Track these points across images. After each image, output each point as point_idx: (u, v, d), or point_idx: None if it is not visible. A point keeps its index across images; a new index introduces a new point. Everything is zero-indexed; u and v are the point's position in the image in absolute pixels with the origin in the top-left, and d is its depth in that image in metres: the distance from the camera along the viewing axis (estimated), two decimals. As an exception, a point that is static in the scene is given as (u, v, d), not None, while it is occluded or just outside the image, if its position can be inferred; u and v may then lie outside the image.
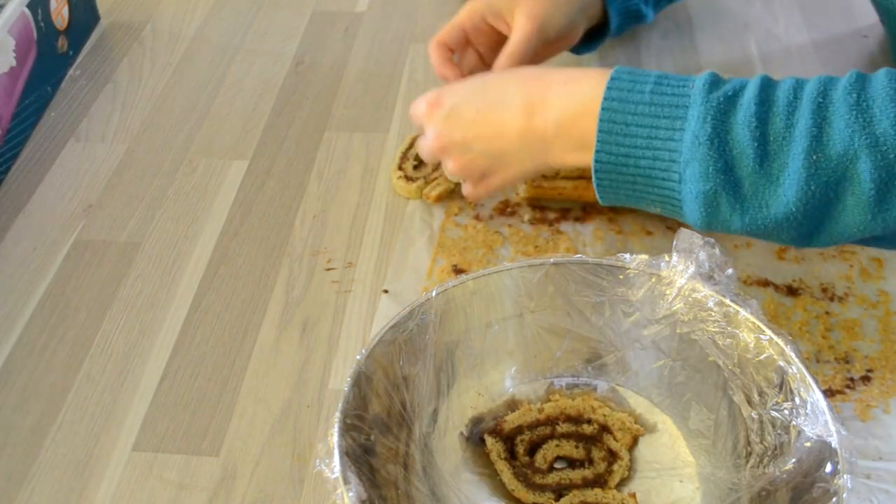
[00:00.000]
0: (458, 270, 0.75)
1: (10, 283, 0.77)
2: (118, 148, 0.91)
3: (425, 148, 0.73)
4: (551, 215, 0.79)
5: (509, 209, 0.81)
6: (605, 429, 0.62)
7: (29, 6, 0.91)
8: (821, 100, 0.56)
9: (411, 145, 0.86)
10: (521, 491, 0.59)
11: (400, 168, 0.84)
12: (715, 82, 0.59)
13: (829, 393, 0.65)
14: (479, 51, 0.82)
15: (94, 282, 0.77)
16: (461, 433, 0.62)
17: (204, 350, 0.71)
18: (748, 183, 0.57)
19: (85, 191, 0.86)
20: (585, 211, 0.79)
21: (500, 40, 0.81)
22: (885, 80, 0.57)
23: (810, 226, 0.57)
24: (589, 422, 0.62)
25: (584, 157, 0.63)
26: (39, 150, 0.91)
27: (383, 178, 0.85)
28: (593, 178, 0.63)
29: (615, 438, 0.61)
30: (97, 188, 0.86)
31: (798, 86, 0.58)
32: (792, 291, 0.72)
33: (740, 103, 0.57)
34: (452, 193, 0.82)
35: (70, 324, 0.73)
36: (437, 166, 0.83)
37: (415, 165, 0.84)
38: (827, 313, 0.70)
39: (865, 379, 0.65)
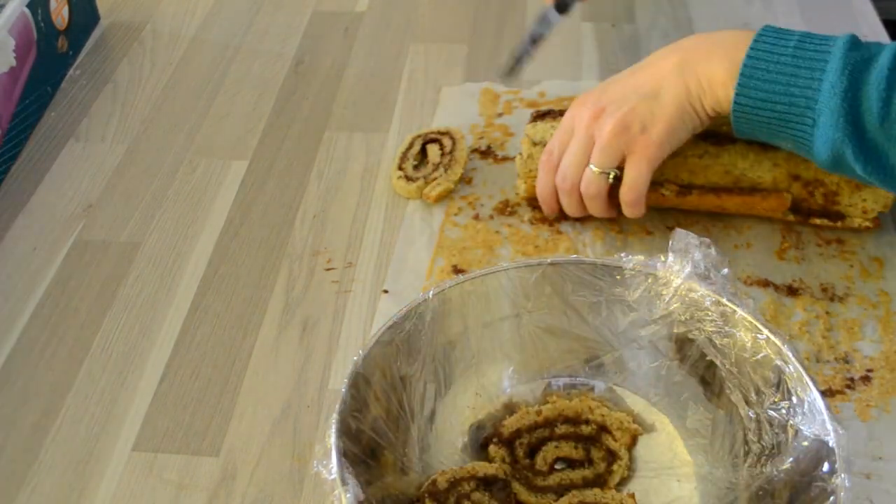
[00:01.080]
0: (457, 270, 0.75)
1: (10, 283, 0.77)
2: (118, 148, 0.91)
3: (568, 127, 0.74)
4: (551, 216, 0.79)
5: (509, 209, 0.81)
6: (603, 429, 0.62)
7: (29, 6, 0.91)
8: None
9: (411, 145, 0.86)
10: (524, 494, 0.59)
11: (400, 168, 0.84)
12: (855, 44, 0.65)
13: (829, 393, 0.65)
14: None
15: (94, 282, 0.77)
16: (463, 443, 0.62)
17: (204, 350, 0.71)
18: (870, 136, 0.63)
19: (85, 191, 0.86)
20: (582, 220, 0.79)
21: None
22: None
23: None
24: (587, 422, 0.62)
25: (732, 73, 0.67)
26: (39, 150, 0.91)
27: (383, 178, 0.85)
28: (731, 117, 0.69)
29: (614, 438, 0.61)
30: (97, 188, 0.86)
31: None
32: (792, 291, 0.72)
33: (875, 65, 0.63)
34: (452, 193, 0.82)
35: (70, 324, 0.73)
36: (437, 166, 0.83)
37: (415, 165, 0.85)
38: (827, 313, 0.70)
39: (865, 379, 0.65)
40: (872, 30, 0.99)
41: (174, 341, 0.72)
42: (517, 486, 0.59)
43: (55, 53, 0.97)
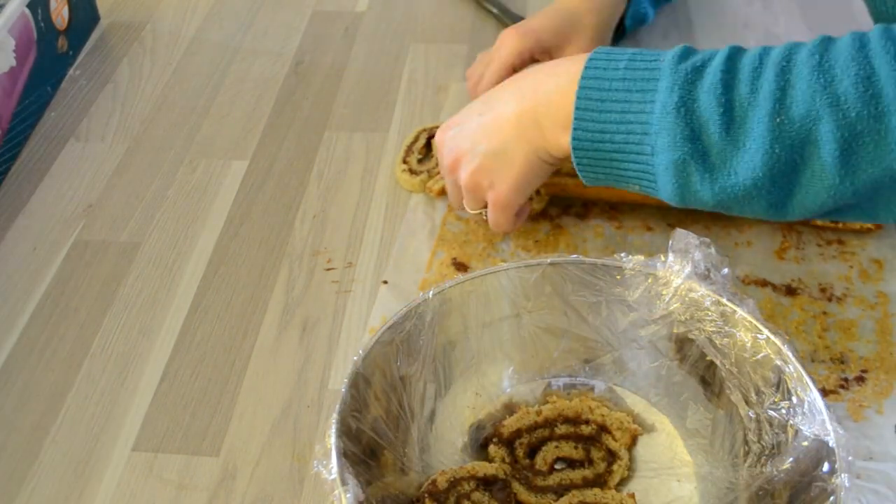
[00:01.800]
0: (457, 264, 0.75)
1: (10, 283, 0.77)
2: (118, 148, 0.91)
3: (443, 172, 0.74)
4: (552, 211, 0.80)
5: None
6: (603, 429, 0.62)
7: (29, 6, 0.91)
8: (784, 63, 0.56)
9: (416, 139, 0.87)
10: (524, 494, 0.59)
11: (404, 161, 0.84)
12: (685, 54, 0.60)
13: (822, 392, 0.64)
14: None
15: (94, 282, 0.77)
16: (464, 443, 0.62)
17: (204, 350, 0.71)
18: (715, 150, 0.57)
19: (85, 191, 0.86)
20: (586, 207, 0.80)
21: None
22: (849, 40, 0.56)
23: (779, 193, 0.57)
24: (587, 422, 0.62)
25: (569, 119, 0.63)
26: (39, 150, 0.91)
27: (383, 177, 0.85)
28: (573, 158, 0.63)
29: (614, 438, 0.61)
30: (97, 188, 0.86)
31: (764, 52, 0.58)
32: (790, 291, 0.72)
33: (707, 71, 0.58)
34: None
35: (70, 324, 0.73)
36: None
37: (419, 159, 0.85)
38: (824, 313, 0.70)
39: (860, 379, 0.65)
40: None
41: (174, 341, 0.72)
42: (517, 486, 0.59)
43: (55, 53, 0.97)
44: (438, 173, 0.82)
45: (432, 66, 0.99)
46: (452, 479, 0.57)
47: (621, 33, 0.93)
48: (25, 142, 0.91)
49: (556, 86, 0.64)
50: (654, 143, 0.59)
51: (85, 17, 1.05)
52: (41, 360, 0.71)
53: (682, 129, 0.57)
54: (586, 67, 0.62)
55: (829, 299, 0.71)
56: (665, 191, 0.60)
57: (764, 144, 0.55)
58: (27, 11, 0.91)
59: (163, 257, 0.79)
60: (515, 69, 0.83)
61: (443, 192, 0.81)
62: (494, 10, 1.05)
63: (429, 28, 1.05)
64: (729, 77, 0.57)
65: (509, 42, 0.83)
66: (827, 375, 0.66)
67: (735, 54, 0.59)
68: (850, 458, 0.51)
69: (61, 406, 0.67)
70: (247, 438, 0.65)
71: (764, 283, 0.73)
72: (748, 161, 0.56)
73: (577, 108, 0.61)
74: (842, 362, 0.67)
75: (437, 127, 0.87)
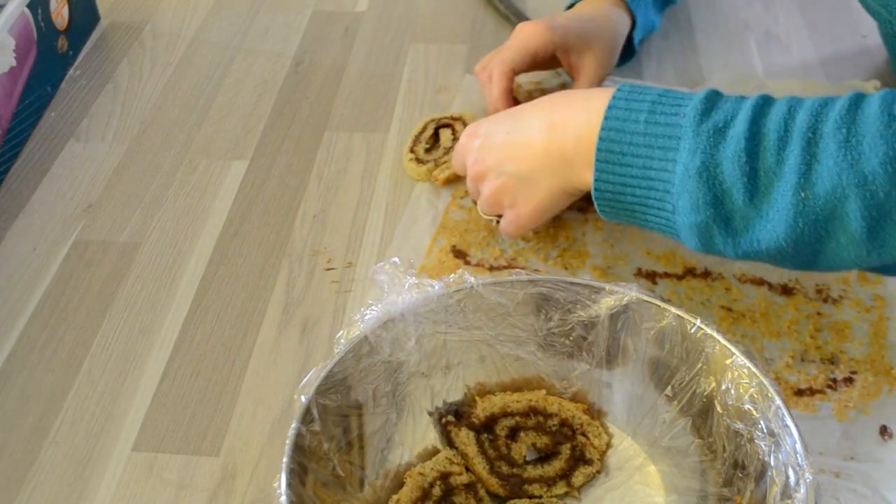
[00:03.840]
0: (457, 251, 0.76)
1: (10, 283, 0.77)
2: (118, 148, 0.91)
3: (469, 184, 0.76)
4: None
5: None
6: (578, 432, 0.62)
7: (29, 6, 0.91)
8: (811, 135, 0.55)
9: (424, 129, 0.88)
10: (493, 485, 0.59)
11: (411, 150, 0.85)
12: (707, 109, 0.58)
13: (808, 392, 0.65)
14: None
15: (94, 282, 0.77)
16: (430, 412, 0.62)
17: (204, 350, 0.71)
18: (738, 216, 0.57)
19: (85, 191, 0.86)
20: (587, 200, 0.79)
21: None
22: (878, 110, 0.54)
23: (804, 259, 0.57)
24: (551, 416, 0.62)
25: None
26: (39, 150, 0.91)
27: (383, 177, 0.85)
28: (595, 203, 0.64)
29: (593, 445, 0.61)
30: (97, 188, 0.86)
31: (790, 116, 0.56)
32: (786, 291, 0.72)
33: (731, 135, 0.57)
34: (460, 178, 0.82)
35: (70, 324, 0.73)
36: (448, 150, 0.84)
37: (426, 149, 0.86)
38: (819, 314, 0.70)
39: (848, 380, 0.65)
40: (872, 30, 0.99)
41: (174, 341, 0.72)
42: (489, 480, 0.59)
43: (55, 53, 0.98)
44: (445, 163, 0.83)
45: (432, 66, 0.99)
46: (424, 487, 0.58)
47: (632, 47, 0.92)
48: (25, 142, 0.91)
49: (587, 123, 0.64)
50: (675, 203, 0.59)
51: (85, 17, 1.05)
52: (41, 360, 0.71)
53: (705, 194, 0.57)
54: (607, 116, 0.62)
55: (825, 300, 0.71)
56: (688, 244, 0.61)
57: (787, 217, 0.55)
58: (27, 11, 0.91)
59: (163, 257, 0.79)
60: (537, 60, 0.84)
61: (448, 182, 0.82)
62: (512, 18, 1.04)
63: (429, 28, 1.05)
64: (753, 145, 0.56)
65: (535, 32, 0.83)
66: (816, 375, 0.66)
67: (759, 116, 0.57)
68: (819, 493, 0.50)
69: (61, 406, 0.68)
70: (247, 438, 0.65)
71: (760, 282, 0.73)
72: (771, 230, 0.56)
73: (597, 160, 0.62)
74: (832, 363, 0.67)
75: (445, 118, 0.88)
